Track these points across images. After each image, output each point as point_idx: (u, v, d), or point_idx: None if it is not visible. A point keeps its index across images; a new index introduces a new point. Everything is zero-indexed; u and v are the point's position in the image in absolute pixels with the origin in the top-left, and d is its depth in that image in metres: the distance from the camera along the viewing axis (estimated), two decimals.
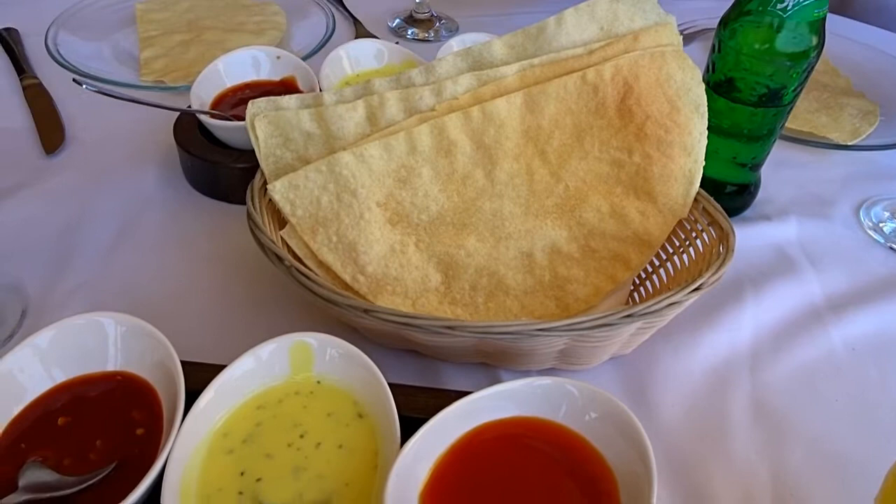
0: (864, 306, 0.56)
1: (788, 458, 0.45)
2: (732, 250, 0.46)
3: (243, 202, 0.47)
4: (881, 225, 0.65)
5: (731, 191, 0.64)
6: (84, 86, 0.55)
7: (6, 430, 0.37)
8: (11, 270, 0.54)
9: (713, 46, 0.57)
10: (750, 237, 0.62)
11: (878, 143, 0.74)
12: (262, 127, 0.48)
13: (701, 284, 0.43)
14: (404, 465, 0.34)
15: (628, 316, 0.41)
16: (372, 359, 0.39)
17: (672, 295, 0.42)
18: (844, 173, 0.72)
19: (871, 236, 0.64)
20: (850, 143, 0.74)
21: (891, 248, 0.62)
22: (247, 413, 0.39)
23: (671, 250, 0.52)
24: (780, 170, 0.71)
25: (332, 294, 0.41)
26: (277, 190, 0.46)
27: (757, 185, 0.65)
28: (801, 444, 0.46)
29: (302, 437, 0.38)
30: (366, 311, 0.40)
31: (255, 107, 0.48)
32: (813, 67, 0.55)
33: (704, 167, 0.55)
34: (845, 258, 0.61)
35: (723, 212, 0.49)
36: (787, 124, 0.75)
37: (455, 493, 0.35)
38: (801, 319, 0.55)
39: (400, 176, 0.48)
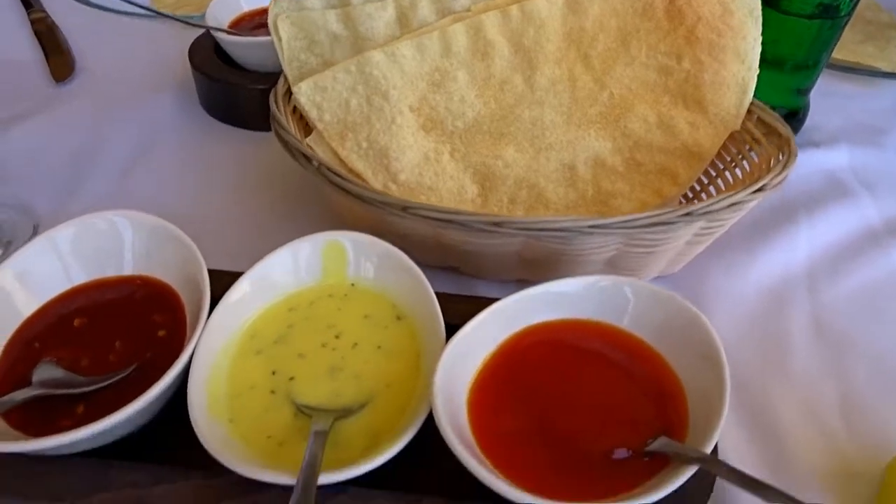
0: None
1: (852, 376, 0.42)
2: (795, 155, 0.43)
3: (262, 128, 0.44)
4: None
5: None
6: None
7: (20, 330, 0.35)
8: (23, 194, 0.51)
9: None
10: (799, 164, 0.58)
11: None
12: (285, 28, 0.44)
13: (764, 185, 0.39)
14: (452, 358, 0.31)
15: (687, 214, 0.37)
16: None
17: (734, 194, 0.38)
18: (894, 103, 0.68)
19: None
20: (884, 69, 0.70)
21: None
22: (277, 315, 0.36)
23: (721, 165, 0.49)
24: (827, 99, 0.66)
25: (367, 192, 0.38)
26: (303, 92, 0.43)
27: (806, 110, 0.61)
28: (865, 363, 0.43)
29: (337, 337, 0.35)
30: (405, 208, 0.37)
31: (277, 6, 0.45)
32: None
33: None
34: None
35: (780, 118, 0.46)
36: (834, 54, 0.71)
37: (506, 393, 0.32)
38: (859, 242, 0.51)
39: (434, 79, 0.45)
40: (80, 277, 0.37)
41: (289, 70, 0.45)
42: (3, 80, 0.63)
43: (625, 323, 0.34)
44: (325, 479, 0.27)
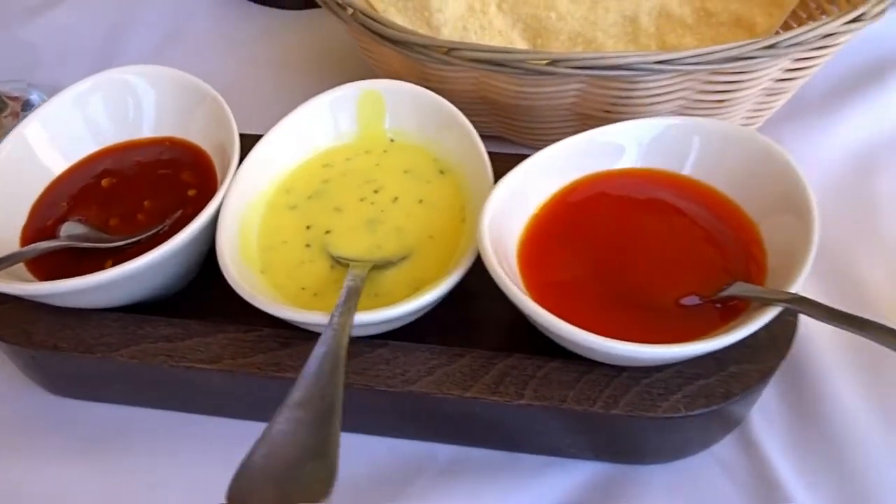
0: None
1: None
2: None
3: (296, 6, 0.40)
4: None
5: None
6: None
7: (48, 189, 0.33)
8: (55, 74, 0.50)
9: None
10: (891, 21, 0.51)
11: None
12: None
13: (861, 15, 0.34)
14: (500, 203, 0.28)
15: (771, 46, 0.32)
16: None
17: (826, 23, 0.33)
18: None
19: None
20: None
21: None
22: (311, 170, 0.33)
23: (805, 15, 0.43)
24: None
25: (406, 35, 0.34)
26: None
27: None
28: None
29: (376, 192, 0.32)
30: (449, 50, 0.33)
31: None
32: None
33: None
34: None
35: None
36: None
37: (559, 244, 0.29)
38: None
39: None
40: (108, 138, 0.35)
41: None
42: None
43: (690, 170, 0.30)
44: (361, 318, 0.25)
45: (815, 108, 0.45)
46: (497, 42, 0.41)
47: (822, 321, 0.25)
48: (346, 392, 0.27)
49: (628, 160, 0.30)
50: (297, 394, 0.21)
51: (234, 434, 0.24)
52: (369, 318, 0.25)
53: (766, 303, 0.25)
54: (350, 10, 0.36)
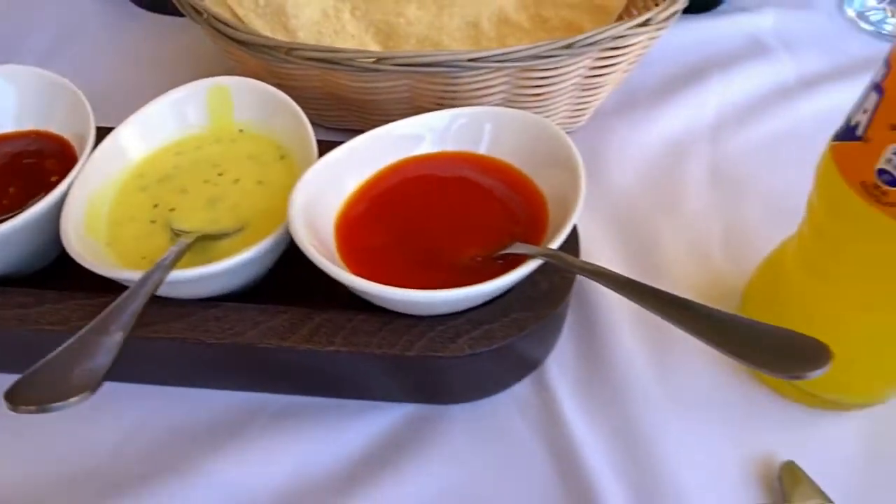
0: (840, 82, 0.52)
1: (739, 215, 0.43)
2: None
3: (178, 13, 0.43)
4: (868, 14, 0.61)
5: None
6: None
7: None
8: None
9: None
10: (720, 27, 0.58)
11: None
12: None
13: (649, 20, 0.40)
14: (314, 185, 0.32)
15: (568, 46, 0.38)
16: None
17: (616, 26, 0.39)
18: None
19: (856, 24, 0.60)
20: None
21: (880, 33, 0.58)
22: (164, 157, 0.37)
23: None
24: None
25: (252, 36, 0.38)
26: None
27: None
28: (754, 202, 0.44)
29: (220, 175, 0.36)
30: (289, 50, 0.38)
31: None
32: None
33: None
34: (824, 44, 0.57)
35: None
36: None
37: (372, 218, 0.34)
38: (770, 96, 0.52)
39: None
40: None
41: None
42: None
43: (485, 149, 0.35)
44: (178, 275, 0.28)
45: (641, 104, 0.51)
46: (350, 45, 0.45)
47: (575, 272, 0.30)
48: (183, 346, 0.31)
49: (427, 147, 0.35)
50: (93, 322, 0.25)
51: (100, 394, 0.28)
52: (187, 274, 0.29)
53: (533, 257, 0.30)
54: (205, 14, 0.40)
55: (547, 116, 0.44)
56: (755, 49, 0.56)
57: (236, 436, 0.32)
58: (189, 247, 0.30)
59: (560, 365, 0.35)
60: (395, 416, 0.33)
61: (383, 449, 0.32)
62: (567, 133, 0.47)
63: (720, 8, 0.61)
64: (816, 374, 0.21)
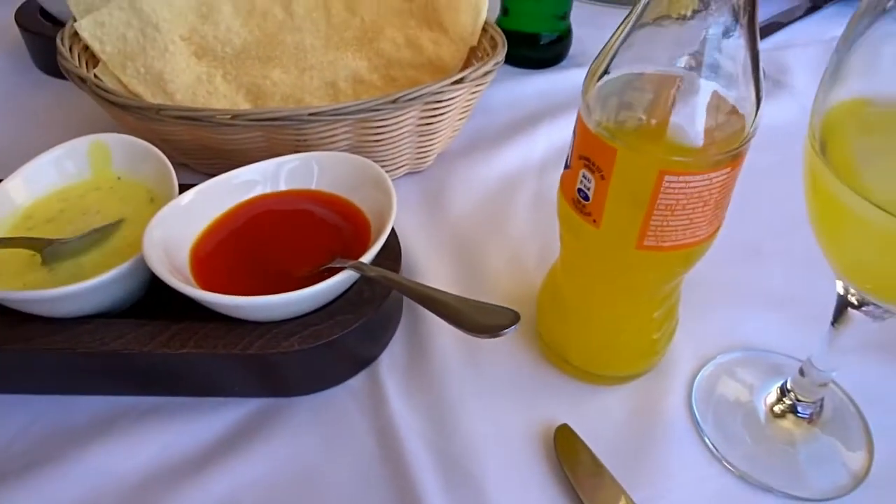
0: None
1: (552, 235, 0.52)
2: (500, 53, 0.52)
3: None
4: None
5: (546, 41, 0.70)
6: None
7: None
8: None
9: None
10: (558, 81, 0.69)
11: None
12: None
13: (463, 77, 0.49)
14: (170, 219, 0.39)
15: (393, 101, 0.46)
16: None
17: (436, 83, 0.48)
18: None
19: None
20: None
21: None
22: (50, 203, 0.44)
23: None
24: (601, 31, 0.76)
25: (127, 100, 0.45)
26: (85, 28, 0.51)
27: (568, 34, 0.72)
28: None
29: (97, 213, 0.43)
30: (158, 110, 0.45)
31: None
32: None
33: (517, 23, 0.61)
34: None
35: (498, 29, 0.55)
36: None
37: (222, 245, 0.41)
38: None
39: (201, 12, 0.53)
40: None
41: (75, 10, 0.52)
42: None
43: (315, 184, 0.43)
44: (53, 292, 0.35)
45: (483, 146, 0.60)
46: (223, 105, 0.53)
47: (374, 277, 0.38)
48: (60, 356, 0.37)
49: (261, 188, 0.43)
50: None
51: None
52: (62, 291, 0.35)
53: (345, 268, 0.37)
54: (88, 82, 0.47)
55: (394, 159, 0.53)
56: None
57: (108, 431, 0.38)
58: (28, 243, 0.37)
59: (391, 360, 0.43)
60: (246, 408, 0.40)
61: (235, 436, 0.39)
62: (415, 173, 0.56)
63: (560, 64, 0.72)
64: (508, 332, 0.29)
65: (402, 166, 0.54)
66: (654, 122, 0.31)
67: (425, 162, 0.56)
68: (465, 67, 0.58)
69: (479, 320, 0.30)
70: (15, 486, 0.36)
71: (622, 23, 0.31)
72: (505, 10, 0.70)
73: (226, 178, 0.42)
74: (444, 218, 0.53)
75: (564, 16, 0.70)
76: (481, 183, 0.56)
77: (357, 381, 0.42)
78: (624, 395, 0.41)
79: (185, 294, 0.36)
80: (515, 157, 0.59)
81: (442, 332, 0.44)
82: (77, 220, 0.42)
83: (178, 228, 0.40)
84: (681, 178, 0.29)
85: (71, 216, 0.43)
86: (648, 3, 0.29)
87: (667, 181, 0.30)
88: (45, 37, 0.65)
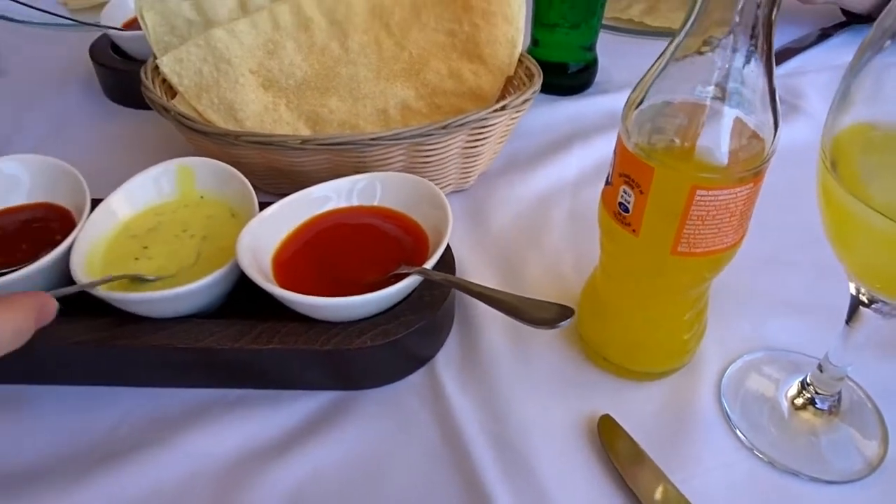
0: None
1: (591, 247, 0.56)
2: (537, 83, 0.57)
3: (147, 107, 0.56)
4: None
5: (572, 70, 0.76)
6: None
7: None
8: None
9: None
10: (586, 106, 0.74)
11: None
12: (149, 17, 0.58)
13: (506, 105, 0.54)
14: (257, 229, 0.45)
15: (443, 127, 0.52)
16: None
17: (481, 111, 0.53)
18: None
19: None
20: None
21: None
22: (147, 217, 0.49)
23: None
24: (625, 59, 0.82)
25: (209, 127, 0.51)
26: (165, 64, 0.57)
27: (594, 63, 0.77)
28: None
29: (185, 231, 0.48)
30: (236, 136, 0.51)
31: (142, 0, 0.58)
32: None
33: (547, 53, 0.67)
34: None
35: (533, 61, 0.61)
36: (649, 22, 0.88)
37: (300, 252, 0.46)
38: None
39: (268, 48, 0.59)
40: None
41: (156, 49, 0.58)
42: None
43: (378, 201, 0.49)
44: (153, 295, 0.40)
45: (520, 167, 0.65)
46: (286, 131, 0.59)
47: (438, 281, 0.43)
48: (160, 352, 0.42)
49: (334, 203, 0.49)
50: None
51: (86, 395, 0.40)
52: (163, 294, 0.40)
53: (411, 274, 0.42)
54: (173, 112, 0.53)
55: (441, 179, 0.58)
56: (613, 123, 0.71)
57: (201, 419, 0.43)
58: (112, 280, 0.42)
59: (446, 358, 0.47)
60: (320, 400, 0.45)
61: (312, 424, 0.43)
62: (459, 192, 0.61)
63: (587, 91, 0.77)
64: (564, 324, 0.34)
65: (448, 185, 0.60)
66: (685, 144, 0.36)
67: (468, 181, 0.61)
68: (502, 95, 0.64)
69: (538, 314, 0.34)
70: (122, 465, 0.41)
71: (657, 59, 0.36)
72: (535, 42, 0.75)
73: (304, 193, 0.47)
74: (486, 232, 0.58)
75: (591, 47, 0.75)
76: (519, 200, 0.61)
77: (417, 377, 0.46)
78: (659, 389, 0.45)
79: (273, 295, 0.41)
80: (550, 176, 0.64)
81: (491, 333, 0.49)
82: (169, 231, 0.48)
83: (263, 237, 0.45)
84: (710, 193, 0.34)
85: (165, 228, 0.48)
86: (680, 42, 0.34)
87: (698, 195, 0.34)
88: (115, 70, 0.71)
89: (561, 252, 0.56)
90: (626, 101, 0.38)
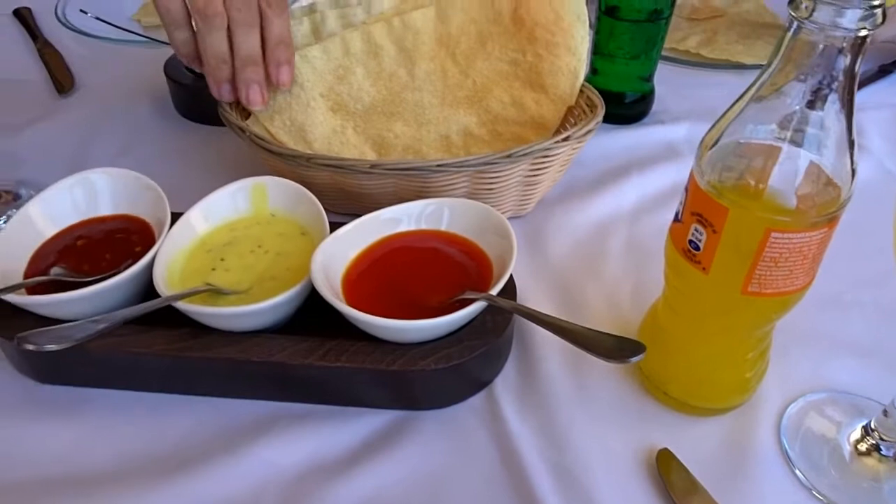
0: None
1: (645, 277, 0.57)
2: (599, 113, 0.58)
3: (219, 123, 0.59)
4: None
5: (630, 100, 0.77)
6: (88, 13, 0.69)
7: (42, 246, 0.50)
8: (36, 174, 0.67)
9: None
10: (642, 136, 0.75)
11: None
12: None
13: (569, 136, 0.55)
14: (330, 248, 0.46)
15: (508, 156, 0.53)
16: None
17: (544, 142, 0.54)
18: (738, 90, 0.83)
19: None
20: (748, 64, 0.87)
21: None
22: (223, 233, 0.51)
23: (564, 132, 0.65)
24: (681, 90, 0.83)
25: (282, 148, 0.53)
26: None
27: (651, 94, 0.78)
28: (660, 267, 0.57)
29: (259, 247, 0.50)
30: (308, 159, 0.53)
31: None
32: None
33: (605, 82, 0.68)
34: None
35: (595, 91, 0.62)
36: (706, 54, 0.89)
37: (368, 272, 0.48)
38: (678, 188, 0.65)
39: (338, 74, 0.61)
40: (83, 214, 0.52)
41: None
42: (18, 93, 0.79)
43: (445, 226, 0.50)
44: (231, 310, 0.42)
45: (577, 194, 0.66)
46: (353, 154, 0.61)
47: (505, 309, 0.44)
48: (230, 365, 0.44)
49: (405, 226, 0.50)
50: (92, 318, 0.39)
51: (160, 403, 0.42)
52: (240, 310, 0.42)
53: (477, 300, 0.44)
54: (248, 133, 0.55)
55: (500, 205, 0.59)
56: (669, 153, 0.72)
57: (269, 431, 0.45)
58: (195, 293, 0.44)
59: (505, 382, 0.48)
60: (384, 418, 0.46)
61: (376, 442, 0.45)
62: (517, 218, 0.62)
63: (643, 121, 0.78)
64: (636, 359, 0.34)
65: (507, 211, 0.61)
66: (759, 185, 0.36)
67: (526, 208, 0.62)
68: (562, 123, 0.65)
69: (608, 348, 0.35)
70: (195, 472, 0.42)
71: (737, 100, 0.36)
72: (594, 70, 0.76)
73: (375, 215, 0.49)
74: (544, 258, 0.59)
75: (649, 77, 0.76)
76: (577, 228, 0.62)
77: (477, 400, 0.47)
78: (718, 425, 0.45)
79: (344, 315, 0.42)
80: (608, 205, 0.65)
81: (549, 359, 0.50)
82: (243, 248, 0.50)
83: (334, 255, 0.47)
84: (785, 235, 0.35)
85: (239, 244, 0.50)
86: (760, 85, 0.35)
87: (773, 237, 0.35)
88: (188, 87, 0.74)
89: (619, 282, 0.57)
90: (702, 140, 0.38)
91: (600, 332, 0.37)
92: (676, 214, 0.41)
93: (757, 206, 0.35)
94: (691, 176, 0.39)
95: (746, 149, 0.37)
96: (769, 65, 0.34)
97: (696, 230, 0.38)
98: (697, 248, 0.38)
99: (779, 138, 0.35)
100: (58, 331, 0.37)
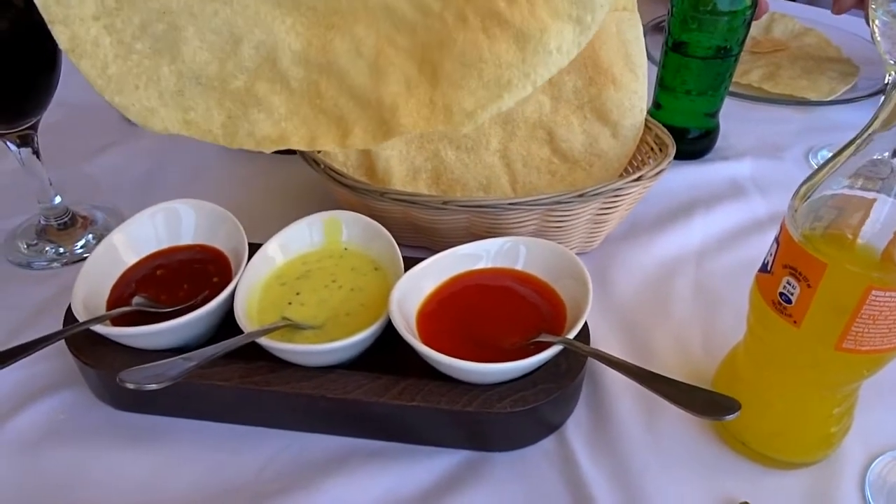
0: None
1: (716, 322, 0.56)
2: (670, 157, 0.58)
3: (290, 153, 0.60)
4: None
5: (693, 136, 0.76)
6: None
7: (123, 275, 0.51)
8: (111, 199, 0.69)
9: (669, 11, 0.70)
10: (706, 172, 0.74)
11: (838, 98, 0.86)
12: None
13: (641, 176, 0.55)
14: (406, 285, 0.47)
15: (580, 195, 0.53)
16: None
17: (615, 182, 0.54)
18: (802, 126, 0.83)
19: None
20: (813, 99, 0.85)
21: None
22: (296, 265, 0.52)
23: (631, 169, 0.64)
24: (745, 125, 0.82)
25: (357, 183, 0.54)
26: None
27: (716, 129, 0.77)
28: (731, 312, 0.57)
29: (334, 281, 0.51)
30: (382, 193, 0.53)
31: None
32: (749, 23, 0.67)
33: (670, 118, 0.67)
34: (792, 188, 0.70)
35: (664, 129, 0.61)
36: (769, 88, 0.88)
37: (443, 311, 0.48)
38: (745, 228, 0.66)
39: None
40: (163, 243, 0.54)
41: None
42: (92, 119, 0.82)
43: (521, 266, 0.50)
44: (309, 348, 0.43)
45: (643, 232, 0.65)
46: (422, 188, 0.61)
47: (584, 354, 0.44)
48: (306, 400, 0.44)
49: (483, 263, 0.50)
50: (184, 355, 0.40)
51: (235, 434, 0.42)
52: (318, 348, 0.43)
53: (554, 344, 0.43)
54: (322, 165, 0.56)
55: (567, 241, 0.59)
56: (734, 190, 0.71)
57: (343, 467, 0.45)
58: (276, 329, 0.45)
59: (576, 425, 0.48)
60: (456, 458, 0.46)
61: (447, 482, 0.44)
62: (583, 254, 0.62)
63: (707, 157, 0.77)
64: (730, 418, 0.34)
65: (573, 248, 0.60)
66: (858, 240, 0.35)
67: (592, 245, 0.62)
68: (630, 161, 0.64)
69: (703, 404, 0.34)
70: None
71: (840, 152, 0.35)
72: (657, 105, 0.76)
73: (452, 251, 0.49)
74: (610, 298, 0.58)
75: (714, 113, 0.75)
76: (642, 267, 0.62)
77: (548, 443, 0.47)
78: (798, 479, 0.44)
79: (422, 356, 0.42)
80: (673, 243, 0.64)
81: (620, 402, 0.49)
82: (317, 282, 0.50)
83: (409, 291, 0.47)
84: (886, 293, 0.34)
85: (313, 277, 0.51)
86: (863, 140, 0.34)
87: (873, 295, 0.34)
88: None
89: (687, 325, 0.56)
90: (796, 191, 0.38)
91: (691, 386, 0.37)
92: (765, 265, 0.40)
93: (856, 263, 0.35)
94: (783, 227, 0.38)
95: (844, 201, 0.36)
96: (874, 118, 0.34)
97: (788, 283, 0.37)
98: (789, 302, 0.37)
99: (881, 193, 0.34)
100: (153, 368, 0.38)
